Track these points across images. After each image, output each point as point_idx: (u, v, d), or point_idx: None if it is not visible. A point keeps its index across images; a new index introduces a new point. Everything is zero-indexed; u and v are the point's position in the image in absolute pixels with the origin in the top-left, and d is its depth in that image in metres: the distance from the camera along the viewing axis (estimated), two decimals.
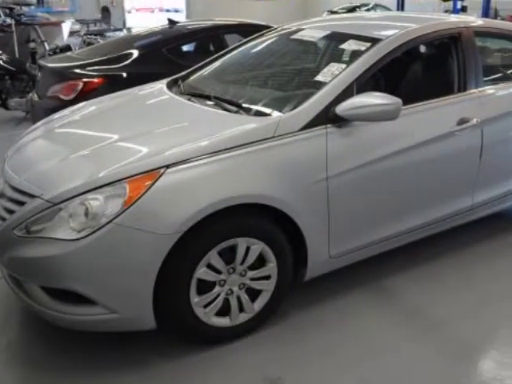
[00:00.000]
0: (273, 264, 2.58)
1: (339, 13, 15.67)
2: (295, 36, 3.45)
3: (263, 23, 5.69)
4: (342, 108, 2.62)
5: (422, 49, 3.77)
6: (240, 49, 3.76)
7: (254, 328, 2.66)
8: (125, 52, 5.08)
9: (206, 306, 2.47)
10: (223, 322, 2.56)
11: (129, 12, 19.71)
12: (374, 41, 2.95)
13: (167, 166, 2.32)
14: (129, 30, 13.51)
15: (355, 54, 2.91)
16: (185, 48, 5.49)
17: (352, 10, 17.33)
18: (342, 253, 2.82)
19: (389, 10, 16.32)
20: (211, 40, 5.57)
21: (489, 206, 3.43)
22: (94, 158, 2.51)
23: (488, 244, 3.58)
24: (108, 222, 2.21)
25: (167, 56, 5.09)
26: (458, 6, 13.80)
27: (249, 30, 4.82)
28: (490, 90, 3.31)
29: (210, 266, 2.42)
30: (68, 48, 8.75)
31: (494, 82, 3.49)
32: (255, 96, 3.11)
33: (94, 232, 2.21)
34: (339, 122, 2.65)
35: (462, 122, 3.07)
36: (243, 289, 2.56)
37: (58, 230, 2.25)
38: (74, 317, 2.34)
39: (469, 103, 3.17)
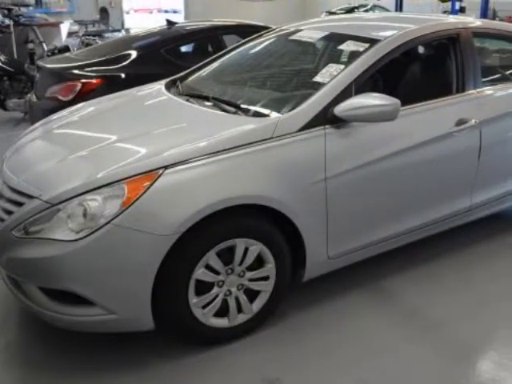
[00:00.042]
0: (271, 265, 2.58)
1: (338, 13, 15.66)
2: (293, 37, 3.45)
3: (262, 24, 5.69)
4: (340, 109, 2.62)
5: (421, 50, 3.78)
6: (238, 50, 3.76)
7: (252, 329, 2.66)
8: (123, 53, 5.07)
9: (204, 307, 2.47)
10: (221, 322, 2.56)
11: (127, 13, 19.65)
12: (373, 42, 2.95)
13: (166, 167, 2.32)
14: (127, 30, 13.47)
15: (354, 55, 2.91)
16: (183, 49, 5.48)
17: (350, 10, 17.29)
18: (340, 253, 2.82)
19: (387, 10, 16.29)
20: (210, 41, 5.56)
21: (487, 207, 3.44)
22: (92, 159, 2.51)
23: (486, 245, 3.59)
24: (106, 223, 2.21)
25: (166, 57, 5.09)
26: (457, 6, 13.79)
27: (247, 31, 4.82)
28: (488, 90, 3.32)
29: (208, 267, 2.42)
30: (66, 49, 8.72)
31: (493, 82, 3.49)
32: (254, 97, 3.12)
33: (92, 233, 2.21)
34: (338, 122, 2.66)
35: (460, 122, 3.08)
36: (242, 290, 2.55)
37: (57, 231, 2.25)
38: (73, 318, 2.34)
39: (467, 104, 3.17)
